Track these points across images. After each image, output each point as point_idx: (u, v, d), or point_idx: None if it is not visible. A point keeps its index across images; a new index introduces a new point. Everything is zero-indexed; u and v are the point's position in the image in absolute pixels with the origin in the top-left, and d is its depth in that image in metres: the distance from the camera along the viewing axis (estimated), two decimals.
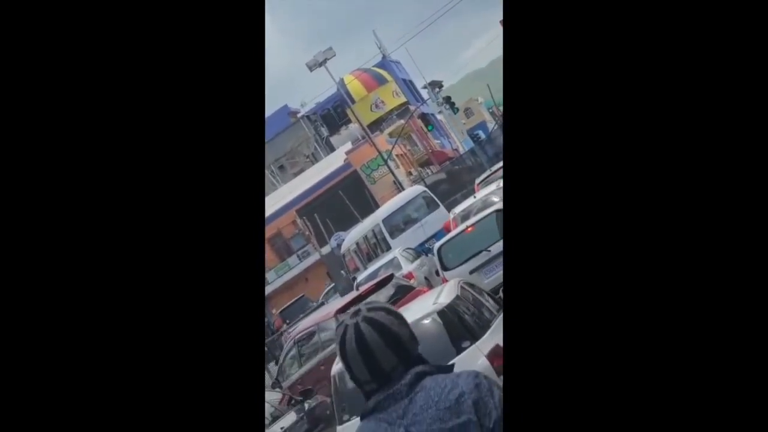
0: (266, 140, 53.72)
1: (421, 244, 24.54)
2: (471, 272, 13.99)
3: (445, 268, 14.62)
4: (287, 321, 33.89)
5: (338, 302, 14.75)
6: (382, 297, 13.59)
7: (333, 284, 35.00)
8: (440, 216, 25.52)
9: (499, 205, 15.76)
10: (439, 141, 65.68)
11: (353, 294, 14.57)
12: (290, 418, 11.74)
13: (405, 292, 13.41)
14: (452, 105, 54.19)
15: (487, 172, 29.56)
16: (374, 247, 27.95)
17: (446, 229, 19.73)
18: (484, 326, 7.77)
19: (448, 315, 7.63)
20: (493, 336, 7.56)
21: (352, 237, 30.94)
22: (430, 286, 17.42)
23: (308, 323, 16.03)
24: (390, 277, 14.51)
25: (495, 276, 13.92)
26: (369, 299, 13.67)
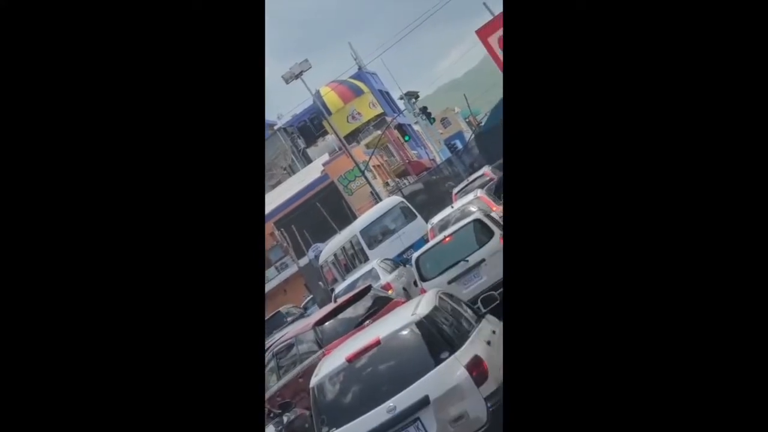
0: None
1: (399, 255, 24.50)
2: (449, 282, 13.97)
3: (423, 279, 14.59)
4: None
5: (316, 314, 14.68)
6: (360, 309, 13.53)
7: (311, 296, 34.86)
8: (418, 226, 25.50)
9: (477, 215, 15.73)
10: (416, 151, 65.75)
11: (331, 306, 14.50)
12: (269, 431, 11.65)
13: (382, 304, 13.36)
14: (429, 115, 54.23)
15: (464, 182, 29.58)
16: (352, 258, 27.89)
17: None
18: (463, 337, 7.75)
19: (426, 326, 7.61)
20: (472, 346, 7.53)
21: (329, 248, 30.85)
22: (409, 297, 17.37)
23: (287, 335, 15.95)
24: (367, 289, 14.46)
25: (474, 286, 13.90)
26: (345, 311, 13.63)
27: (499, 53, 22.05)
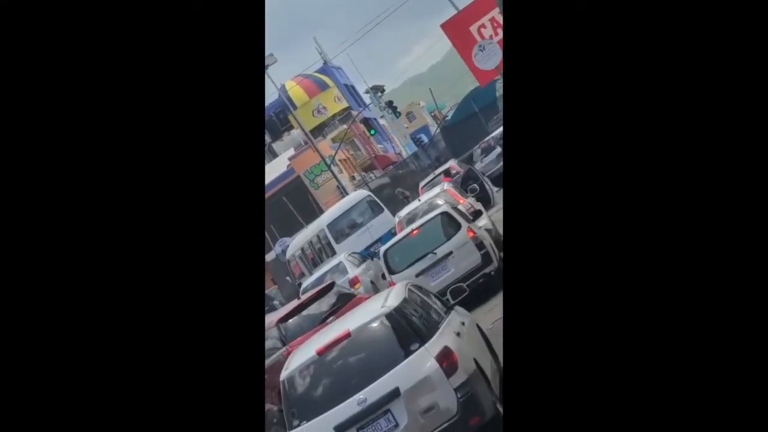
0: None
1: (367, 248, 24.54)
2: (417, 275, 14.03)
3: (391, 272, 14.64)
4: None
5: (281, 311, 14.66)
6: (324, 305, 13.54)
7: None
8: (385, 220, 25.55)
9: (444, 208, 15.79)
10: (382, 145, 65.75)
11: (294, 302, 14.47)
12: None
13: (346, 300, 13.37)
14: (394, 109, 54.30)
15: (431, 176, 29.66)
16: (319, 252, 27.87)
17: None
18: (433, 328, 7.79)
19: (396, 318, 7.64)
20: (442, 338, 7.57)
21: (296, 243, 30.80)
22: (377, 290, 17.41)
23: None
24: (331, 285, 14.48)
25: (442, 278, 13.98)
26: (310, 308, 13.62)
27: (465, 48, 22.12)
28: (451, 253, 14.19)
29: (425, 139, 64.83)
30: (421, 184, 29.06)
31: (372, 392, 7.21)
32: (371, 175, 54.65)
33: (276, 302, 29.04)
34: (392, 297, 8.09)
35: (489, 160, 30.01)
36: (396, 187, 42.31)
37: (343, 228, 27.29)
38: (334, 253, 25.54)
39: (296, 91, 61.04)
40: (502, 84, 40.58)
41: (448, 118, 57.90)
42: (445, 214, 15.05)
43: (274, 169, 53.56)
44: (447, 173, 26.30)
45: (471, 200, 19.83)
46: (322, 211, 36.00)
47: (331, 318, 12.53)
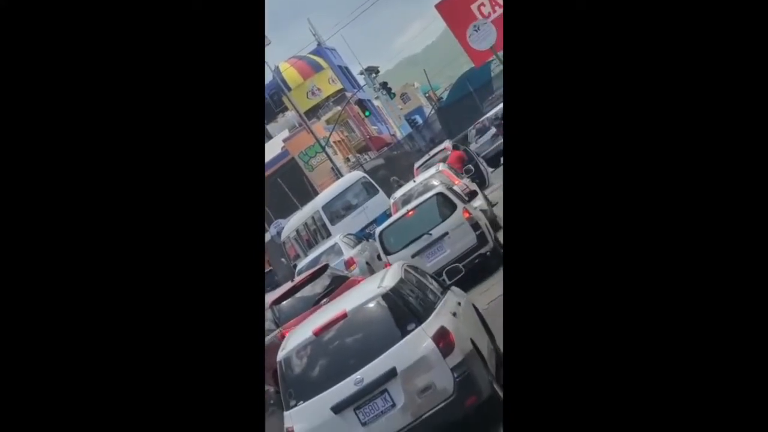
0: None
1: (362, 230, 24.54)
2: (413, 256, 14.04)
3: (387, 253, 14.65)
4: None
5: (274, 293, 14.67)
6: (317, 287, 13.55)
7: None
8: (380, 201, 25.53)
9: (440, 188, 15.78)
10: (376, 127, 65.66)
11: (288, 285, 14.47)
12: None
13: (340, 282, 13.38)
14: (389, 90, 54.21)
15: (426, 157, 29.62)
16: (314, 233, 27.87)
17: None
18: (429, 308, 7.80)
19: (392, 298, 7.65)
20: (438, 318, 7.58)
21: (291, 224, 30.78)
22: (372, 271, 17.42)
23: None
24: (325, 268, 14.48)
25: (437, 259, 13.99)
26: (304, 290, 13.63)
27: (460, 28, 22.03)
28: (446, 233, 14.20)
29: (420, 120, 64.75)
30: (416, 165, 29.03)
31: (369, 372, 7.22)
32: (366, 156, 54.59)
33: (278, 278, 29.03)
34: (388, 278, 8.10)
35: (484, 141, 29.97)
36: (391, 168, 42.29)
37: (338, 209, 27.28)
38: (329, 234, 25.54)
39: (290, 73, 60.86)
40: (496, 64, 40.53)
41: (443, 99, 57.82)
42: (440, 194, 15.04)
43: (268, 151, 53.46)
44: (456, 148, 26.27)
45: (466, 181, 19.81)
46: (316, 193, 35.98)
47: (324, 300, 12.54)
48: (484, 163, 25.47)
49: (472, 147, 27.20)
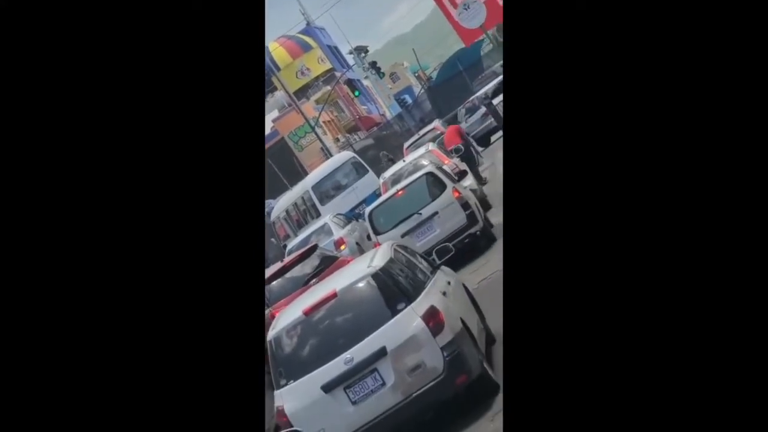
0: None
1: (352, 210, 24.53)
2: (403, 236, 14.03)
3: (377, 233, 14.64)
4: None
5: (265, 273, 14.68)
6: (307, 268, 13.55)
7: None
8: (370, 181, 25.52)
9: (429, 168, 15.76)
10: (366, 107, 65.56)
11: (277, 265, 14.46)
12: None
13: (329, 263, 13.38)
14: (378, 70, 54.06)
15: (415, 136, 29.59)
16: (304, 214, 27.86)
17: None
18: (419, 288, 7.81)
19: (382, 277, 7.65)
20: (428, 297, 7.59)
21: (281, 205, 30.75)
22: (362, 251, 17.42)
23: None
24: (314, 248, 14.48)
25: (427, 239, 13.98)
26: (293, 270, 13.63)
27: (449, 7, 21.95)
28: (436, 213, 14.20)
29: (409, 100, 64.65)
30: (406, 144, 29.01)
31: (359, 351, 7.23)
32: (355, 136, 54.54)
33: (268, 258, 29.01)
34: (378, 257, 8.10)
35: (473, 120, 29.95)
36: (381, 148, 42.23)
37: (327, 189, 27.26)
38: (319, 214, 25.53)
39: (279, 53, 60.68)
40: (486, 43, 40.47)
41: (433, 78, 57.67)
42: (430, 174, 15.02)
43: None
44: (453, 123, 26.28)
45: (456, 160, 19.81)
46: (306, 173, 35.95)
47: (314, 280, 12.55)
48: (474, 143, 25.47)
49: (462, 126, 27.16)
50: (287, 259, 14.54)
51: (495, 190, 19.72)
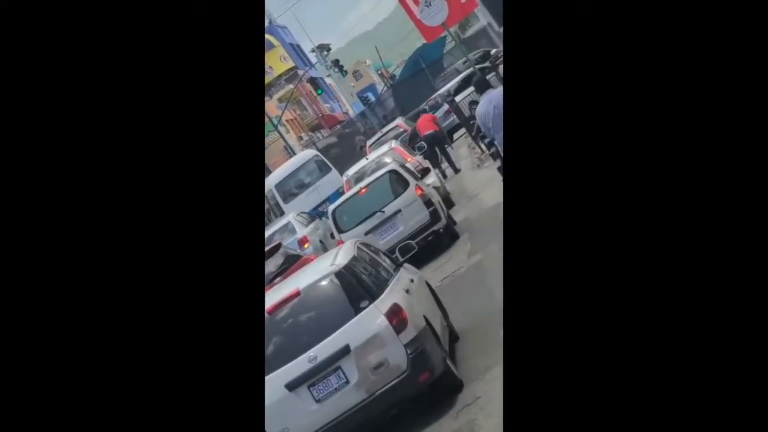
0: None
1: (315, 208, 24.52)
2: (366, 233, 14.05)
3: (340, 231, 14.63)
4: None
5: None
6: (270, 266, 13.51)
7: None
8: (333, 179, 25.52)
9: (392, 166, 15.79)
10: (329, 105, 65.49)
11: None
12: None
13: (293, 261, 13.36)
14: (341, 68, 54.11)
15: (378, 134, 29.61)
16: (268, 212, 27.76)
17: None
18: (382, 285, 7.82)
19: (345, 275, 7.65)
20: (391, 295, 7.60)
21: None
22: (326, 249, 17.41)
23: None
24: (277, 246, 14.44)
25: (390, 236, 14.01)
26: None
27: (411, 5, 21.94)
28: (399, 211, 14.22)
29: (372, 98, 64.65)
30: (369, 142, 29.01)
31: (322, 350, 7.23)
32: (319, 134, 54.45)
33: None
34: (341, 255, 8.10)
35: None
36: (344, 146, 42.18)
37: (291, 188, 27.20)
38: (282, 213, 25.47)
39: None
40: (449, 40, 40.53)
41: (396, 76, 57.73)
42: (393, 172, 15.05)
43: None
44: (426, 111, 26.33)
45: (419, 158, 19.86)
46: (269, 172, 35.81)
47: (277, 279, 12.51)
48: (447, 136, 25.59)
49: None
50: None
51: (458, 186, 19.81)
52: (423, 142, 21.60)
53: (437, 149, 22.98)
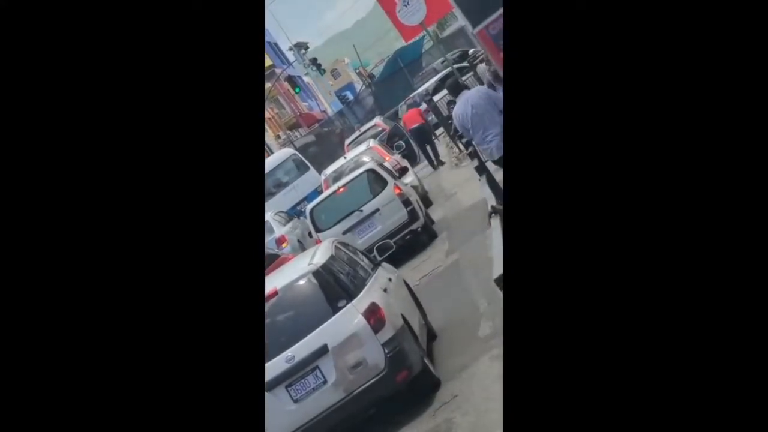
0: None
1: (293, 207, 24.48)
2: (344, 233, 14.04)
3: (318, 230, 14.62)
4: None
5: None
6: None
7: None
8: (311, 178, 25.49)
9: (370, 165, 15.79)
10: (306, 103, 65.35)
11: None
12: None
13: (270, 261, 13.34)
14: (319, 67, 53.98)
15: (357, 133, 29.60)
16: None
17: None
18: (360, 285, 7.82)
19: (323, 275, 7.65)
20: (369, 294, 7.61)
21: None
22: (304, 249, 17.38)
23: None
24: None
25: (369, 235, 14.01)
26: None
27: (390, 4, 21.93)
28: (377, 210, 14.23)
29: (350, 97, 64.61)
30: (347, 141, 28.99)
31: (300, 349, 7.22)
32: (296, 133, 54.33)
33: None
34: (319, 254, 8.09)
35: None
36: (322, 145, 42.11)
37: (269, 187, 27.12)
38: None
39: None
40: (427, 40, 40.57)
41: (374, 75, 57.69)
42: (371, 171, 15.05)
43: None
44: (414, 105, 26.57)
45: (397, 157, 19.87)
46: None
47: None
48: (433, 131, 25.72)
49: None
50: None
51: (436, 185, 19.85)
52: (401, 142, 21.65)
53: (423, 142, 23.28)
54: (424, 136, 23.46)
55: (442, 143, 25.42)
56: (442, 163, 22.67)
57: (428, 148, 23.47)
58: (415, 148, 24.11)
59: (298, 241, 18.89)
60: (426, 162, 23.53)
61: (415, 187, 16.63)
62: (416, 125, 23.34)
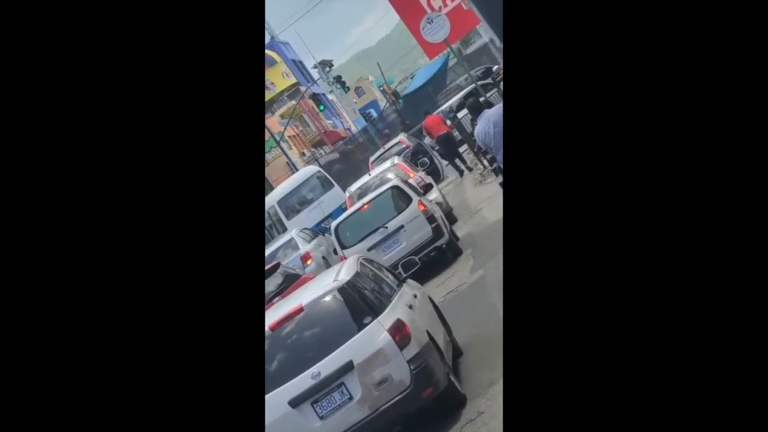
0: None
1: (318, 224, 24.53)
2: (369, 249, 14.05)
3: (343, 247, 14.64)
4: None
5: None
6: (270, 285, 13.50)
7: None
8: (335, 195, 25.56)
9: (395, 182, 15.80)
10: (331, 121, 65.57)
11: None
12: None
13: (292, 280, 13.36)
14: (343, 84, 54.20)
15: (381, 150, 29.65)
16: (270, 228, 27.78)
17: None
18: (385, 301, 7.82)
19: (348, 291, 7.65)
20: (394, 311, 7.60)
21: None
22: (329, 266, 17.41)
23: None
24: (276, 266, 14.43)
25: (393, 252, 14.01)
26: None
27: (414, 22, 22.01)
28: (402, 226, 14.23)
29: (374, 114, 64.74)
30: (371, 158, 29.05)
31: (325, 366, 7.22)
32: (321, 150, 54.50)
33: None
34: (344, 271, 8.10)
35: None
36: (346, 162, 42.19)
37: (293, 204, 27.23)
38: (285, 229, 25.48)
39: None
40: (452, 57, 40.64)
41: (406, 91, 57.79)
42: (395, 188, 15.06)
43: None
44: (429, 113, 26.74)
45: (421, 174, 19.89)
46: (272, 188, 35.84)
47: (276, 298, 12.50)
48: (439, 156, 25.65)
49: (427, 140, 27.30)
50: None
51: (461, 202, 19.84)
52: (425, 158, 21.67)
53: (451, 151, 23.36)
54: (451, 145, 23.47)
55: (466, 160, 25.44)
56: (470, 170, 22.69)
57: (456, 159, 23.55)
58: (437, 162, 24.14)
59: (323, 257, 18.91)
60: (451, 178, 23.51)
61: (439, 204, 16.63)
62: (444, 133, 23.36)
